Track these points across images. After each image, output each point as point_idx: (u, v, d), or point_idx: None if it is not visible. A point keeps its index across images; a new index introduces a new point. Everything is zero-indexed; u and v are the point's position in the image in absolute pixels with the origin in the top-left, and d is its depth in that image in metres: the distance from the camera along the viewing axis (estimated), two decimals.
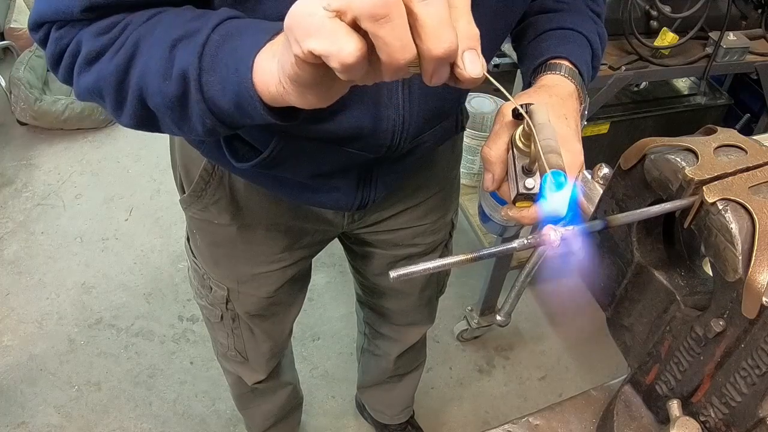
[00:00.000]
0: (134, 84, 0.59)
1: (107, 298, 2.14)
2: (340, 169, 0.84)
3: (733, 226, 0.50)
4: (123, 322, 2.07)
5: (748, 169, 0.55)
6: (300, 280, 1.14)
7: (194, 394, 1.90)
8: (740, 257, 0.50)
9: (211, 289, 1.08)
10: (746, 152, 0.56)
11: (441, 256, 1.20)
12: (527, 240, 0.51)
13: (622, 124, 1.83)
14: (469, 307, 2.03)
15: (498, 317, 0.61)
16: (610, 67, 1.41)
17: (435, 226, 1.12)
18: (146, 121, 0.63)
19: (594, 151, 1.85)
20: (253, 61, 0.51)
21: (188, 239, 1.08)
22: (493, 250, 0.51)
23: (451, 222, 1.18)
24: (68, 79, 0.65)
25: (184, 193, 0.96)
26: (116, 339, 2.03)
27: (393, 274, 0.47)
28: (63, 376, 1.92)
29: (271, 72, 0.49)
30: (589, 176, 0.72)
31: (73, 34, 0.61)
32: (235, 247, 0.99)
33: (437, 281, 1.29)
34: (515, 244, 0.51)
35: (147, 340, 2.03)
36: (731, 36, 1.47)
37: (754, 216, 0.50)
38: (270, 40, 0.51)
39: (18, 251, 2.28)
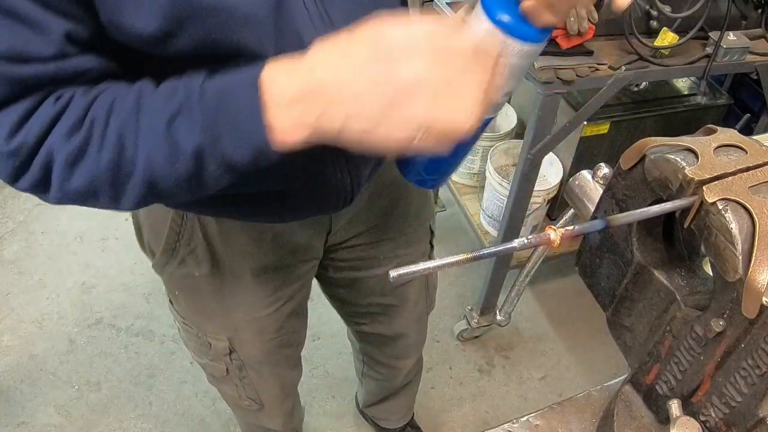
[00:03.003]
0: (140, 172, 0.58)
1: (107, 298, 2.14)
2: (315, 168, 0.82)
3: (733, 226, 0.50)
4: (123, 322, 2.07)
5: (748, 169, 0.55)
6: (302, 312, 1.11)
7: (194, 394, 1.90)
8: (740, 257, 0.50)
9: (210, 345, 1.04)
10: (746, 152, 0.56)
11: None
12: (527, 240, 0.51)
13: (622, 124, 1.83)
14: (469, 307, 2.03)
15: (498, 317, 0.62)
16: (610, 67, 1.41)
17: (414, 236, 1.11)
18: (151, 201, 0.62)
19: (594, 151, 1.85)
20: (265, 121, 0.53)
21: (171, 303, 1.04)
22: (493, 249, 0.51)
23: (429, 229, 1.17)
24: (39, 189, 0.60)
25: (155, 256, 0.93)
26: (116, 339, 2.03)
27: (393, 273, 0.47)
28: (63, 376, 1.92)
29: (301, 128, 0.53)
30: (589, 176, 0.72)
31: (28, 140, 0.57)
32: (223, 298, 0.97)
33: (426, 295, 1.26)
34: (515, 243, 0.51)
35: (147, 340, 2.03)
36: (731, 36, 1.47)
37: (754, 216, 0.50)
38: (261, 91, 0.53)
39: (18, 251, 2.28)
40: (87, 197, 0.60)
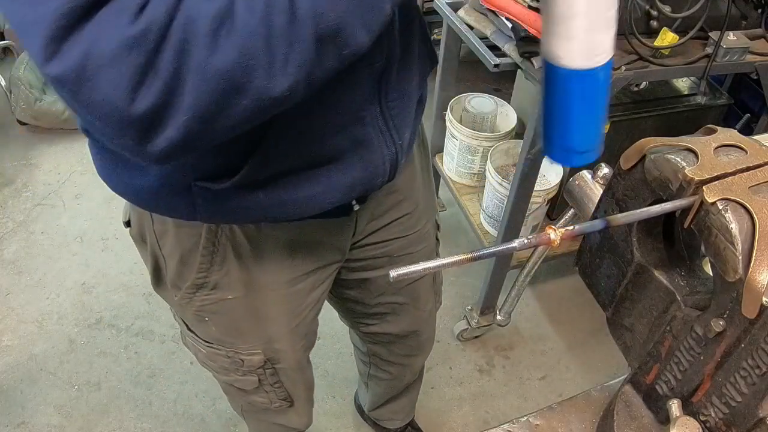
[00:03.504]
0: (304, 7, 0.47)
1: (107, 298, 2.14)
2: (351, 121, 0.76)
3: (733, 226, 0.50)
4: (123, 322, 2.07)
5: (748, 169, 0.55)
6: (319, 311, 1.11)
7: (194, 394, 1.90)
8: (740, 257, 0.50)
9: (243, 361, 1.03)
10: (746, 152, 0.56)
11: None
12: (527, 240, 0.51)
13: (622, 124, 1.83)
14: (469, 307, 2.03)
15: (498, 317, 0.62)
16: None
17: (424, 232, 1.11)
18: (318, 55, 0.50)
19: None
20: None
21: (191, 331, 1.02)
22: (493, 249, 0.51)
23: (436, 224, 1.17)
24: (163, 97, 0.47)
25: (180, 290, 0.91)
26: (116, 339, 2.03)
27: (393, 273, 0.47)
28: (63, 376, 1.92)
29: None
30: (589, 176, 0.72)
31: (156, 20, 0.45)
32: (258, 314, 0.96)
33: (434, 292, 1.26)
34: (515, 243, 0.51)
35: (147, 340, 2.03)
36: (731, 36, 1.47)
37: (754, 216, 0.50)
38: None
39: (18, 251, 2.28)
40: (237, 78, 0.47)
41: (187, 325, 1.02)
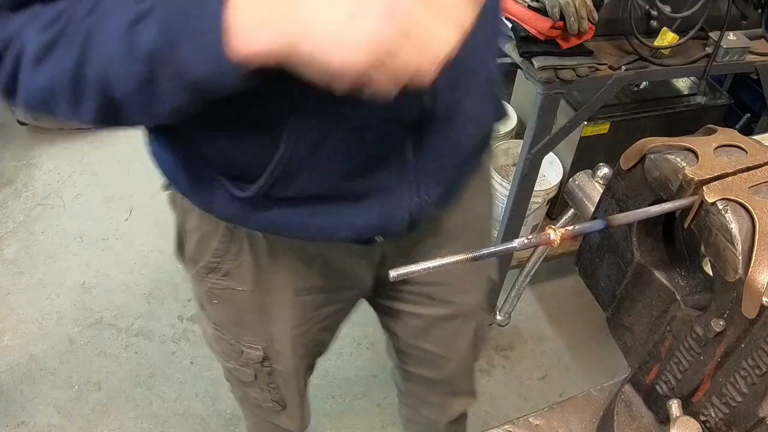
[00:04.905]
0: (96, 75, 0.56)
1: (107, 298, 2.14)
2: (378, 154, 0.75)
3: (733, 226, 0.50)
4: (123, 322, 2.07)
5: (748, 169, 0.55)
6: (334, 328, 1.09)
7: (194, 394, 1.90)
8: (740, 257, 0.50)
9: (242, 352, 1.02)
10: (746, 152, 0.56)
11: (478, 323, 1.12)
12: (527, 240, 0.51)
13: (622, 124, 1.83)
14: None
15: (498, 317, 0.61)
16: (610, 67, 1.41)
17: (472, 285, 1.06)
18: (107, 113, 0.59)
19: (594, 151, 1.85)
20: (223, 22, 0.51)
21: (202, 308, 1.02)
22: (493, 249, 0.51)
23: (489, 279, 1.11)
24: (8, 86, 0.59)
25: (197, 264, 0.92)
26: (116, 339, 2.03)
27: (393, 273, 0.47)
28: (63, 376, 1.92)
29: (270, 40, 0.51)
30: (589, 176, 0.72)
31: (8, 33, 0.57)
32: (263, 312, 0.95)
33: (475, 346, 1.20)
34: (515, 243, 0.51)
35: (147, 340, 2.03)
36: (731, 36, 1.47)
37: (754, 216, 0.50)
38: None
39: (18, 251, 2.28)
40: (49, 99, 0.59)
41: (200, 302, 1.03)
